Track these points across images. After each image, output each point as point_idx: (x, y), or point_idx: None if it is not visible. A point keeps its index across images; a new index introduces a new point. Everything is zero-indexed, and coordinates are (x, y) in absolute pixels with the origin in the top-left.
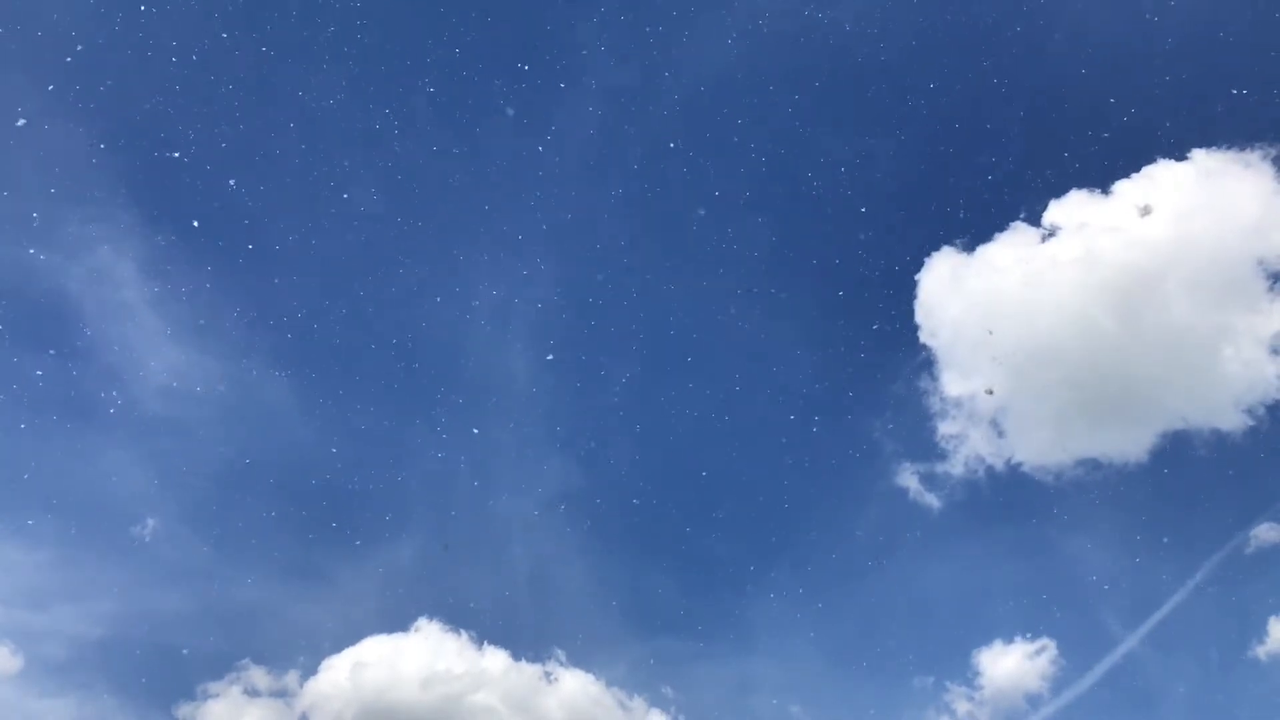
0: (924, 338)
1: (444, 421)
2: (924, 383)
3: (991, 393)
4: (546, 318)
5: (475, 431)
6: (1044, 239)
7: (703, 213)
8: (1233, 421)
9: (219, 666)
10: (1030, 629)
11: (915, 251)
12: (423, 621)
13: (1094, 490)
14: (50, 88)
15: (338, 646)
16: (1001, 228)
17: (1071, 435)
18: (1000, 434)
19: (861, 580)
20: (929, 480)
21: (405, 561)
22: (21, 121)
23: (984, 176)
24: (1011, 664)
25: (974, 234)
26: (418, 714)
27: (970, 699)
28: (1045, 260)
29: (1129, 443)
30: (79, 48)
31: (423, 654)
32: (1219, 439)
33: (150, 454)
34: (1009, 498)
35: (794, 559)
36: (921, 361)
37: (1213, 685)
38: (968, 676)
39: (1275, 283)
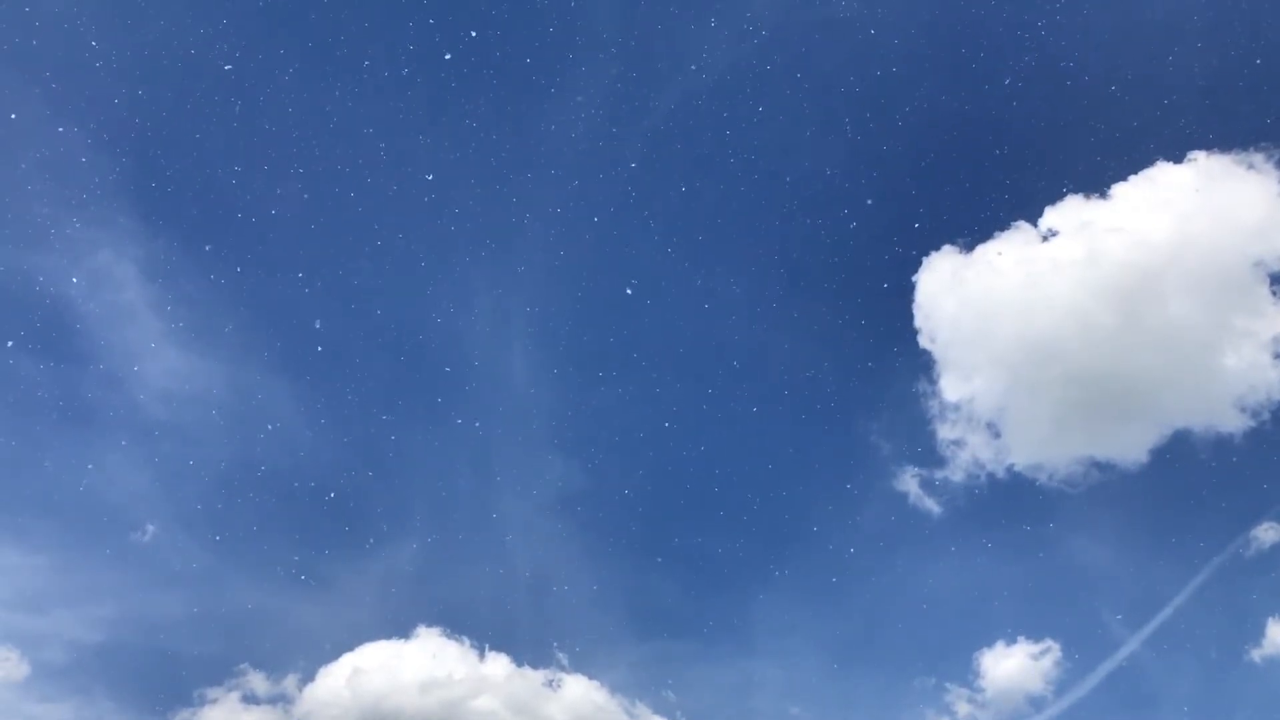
0: (923, 341)
1: (444, 426)
2: (922, 386)
3: None
4: (546, 319)
5: (476, 435)
6: (1045, 239)
7: (700, 214)
8: (1234, 422)
9: (217, 672)
10: (1033, 630)
11: (914, 252)
12: (423, 628)
13: (1095, 491)
14: (51, 89)
15: (336, 653)
16: (1003, 227)
17: (1072, 436)
18: (1000, 436)
19: (862, 582)
20: (929, 485)
21: (405, 567)
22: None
23: (984, 176)
24: (1014, 665)
25: (973, 234)
26: None
27: (972, 700)
28: (1046, 260)
29: (1130, 444)
30: (79, 49)
31: (423, 660)
32: (1220, 440)
33: (150, 458)
34: (1010, 500)
35: (794, 561)
36: (920, 365)
37: (1215, 687)
38: (969, 678)
39: (1277, 285)
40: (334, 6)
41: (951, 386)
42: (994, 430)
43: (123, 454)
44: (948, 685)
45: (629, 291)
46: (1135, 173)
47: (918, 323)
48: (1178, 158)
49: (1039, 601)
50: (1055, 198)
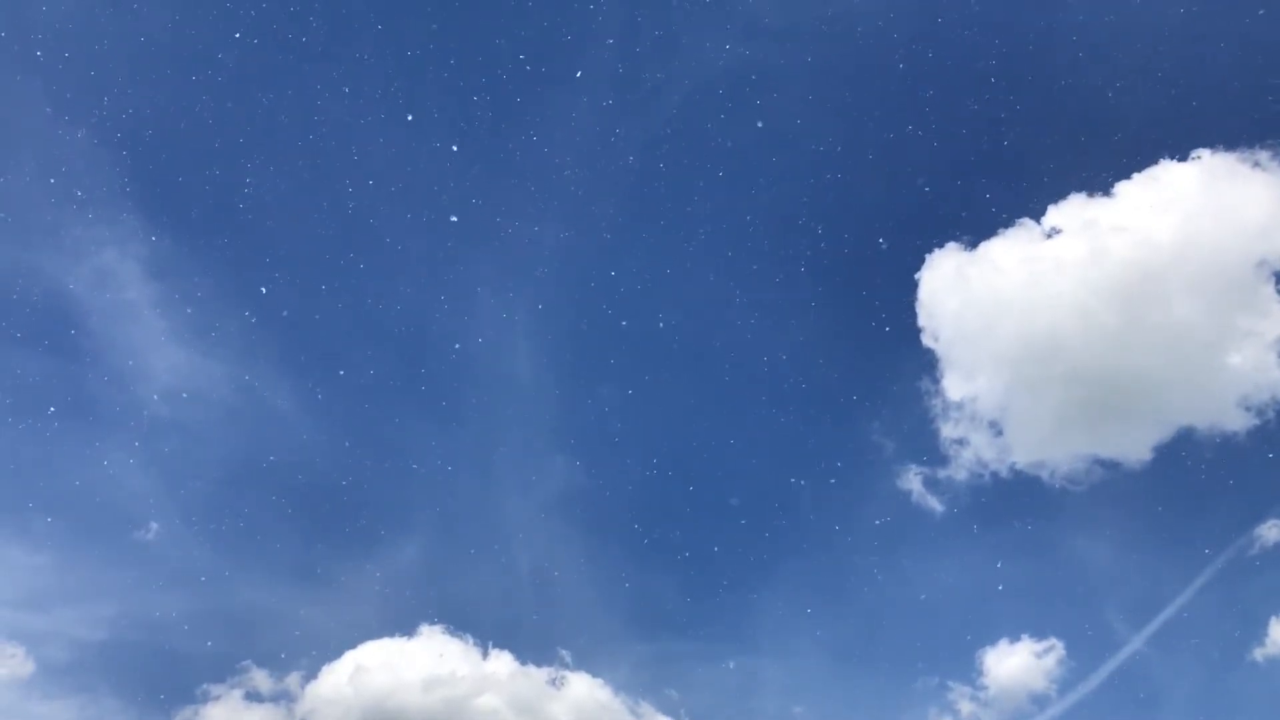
0: (926, 339)
1: (447, 424)
2: (925, 384)
3: None
4: (548, 319)
5: (479, 433)
6: (1049, 236)
7: (703, 213)
8: (1238, 421)
9: (220, 669)
10: (1037, 629)
11: (917, 249)
12: (425, 626)
13: (1098, 490)
14: (53, 88)
15: (339, 651)
16: (1007, 224)
17: (1075, 435)
18: (1003, 435)
19: (865, 581)
20: (932, 484)
21: (408, 565)
22: None
23: (987, 173)
24: (1017, 664)
25: (977, 232)
26: (421, 718)
27: (975, 699)
28: (1049, 259)
29: (1133, 442)
30: (80, 49)
31: (426, 658)
32: (1224, 439)
33: (153, 456)
34: (1013, 499)
35: (797, 560)
36: (923, 363)
37: (1219, 687)
38: (972, 676)
39: None
40: (336, 4)
41: (954, 385)
42: (997, 428)
43: (126, 452)
44: (950, 684)
45: (628, 291)
46: (1139, 171)
47: (921, 321)
48: (1182, 156)
49: (1042, 600)
50: (1059, 196)
